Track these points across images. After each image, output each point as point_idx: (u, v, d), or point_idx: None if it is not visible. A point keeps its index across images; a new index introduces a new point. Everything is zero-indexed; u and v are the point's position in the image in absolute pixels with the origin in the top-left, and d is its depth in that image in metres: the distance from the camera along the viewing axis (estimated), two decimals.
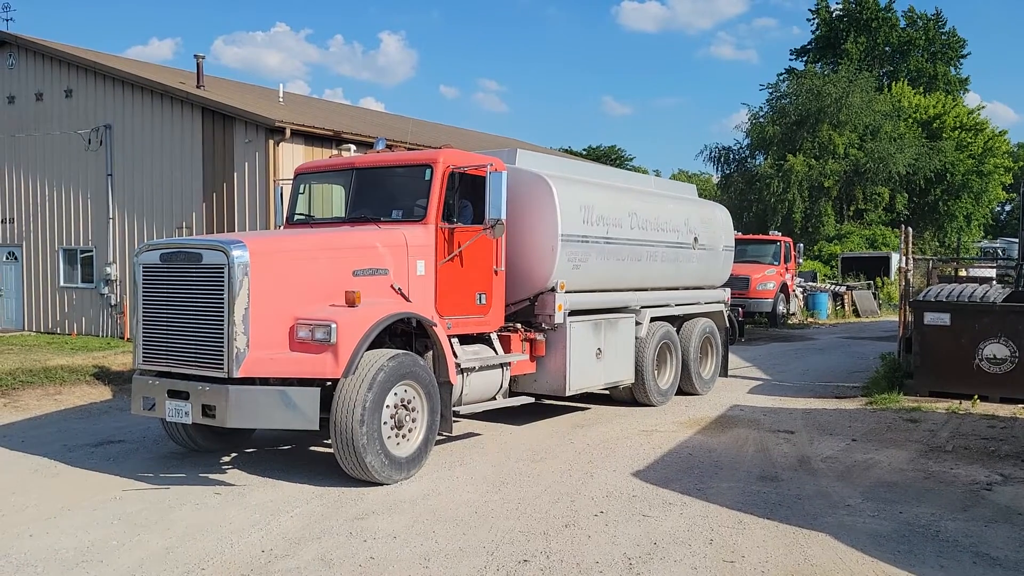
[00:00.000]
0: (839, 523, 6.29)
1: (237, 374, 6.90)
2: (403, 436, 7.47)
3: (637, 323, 10.77)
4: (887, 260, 36.26)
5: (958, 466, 8.05)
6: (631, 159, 66.33)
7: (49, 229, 21.28)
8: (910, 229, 13.56)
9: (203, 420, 7.07)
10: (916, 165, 42.08)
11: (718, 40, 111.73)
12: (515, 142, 34.33)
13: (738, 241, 26.75)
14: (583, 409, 11.01)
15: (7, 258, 22.20)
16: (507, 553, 5.65)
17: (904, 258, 13.03)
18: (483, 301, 8.75)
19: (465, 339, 8.76)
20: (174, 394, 7.22)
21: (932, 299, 11.45)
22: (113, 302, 20.11)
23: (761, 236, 28.29)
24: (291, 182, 9.55)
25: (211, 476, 7.61)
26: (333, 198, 9.55)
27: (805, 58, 58.13)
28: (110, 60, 21.85)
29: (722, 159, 48.59)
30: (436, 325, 7.88)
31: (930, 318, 11.31)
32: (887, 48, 55.89)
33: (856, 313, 30.27)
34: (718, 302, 12.90)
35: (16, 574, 5.30)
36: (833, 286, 31.16)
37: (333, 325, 6.95)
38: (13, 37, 21.64)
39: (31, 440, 9.05)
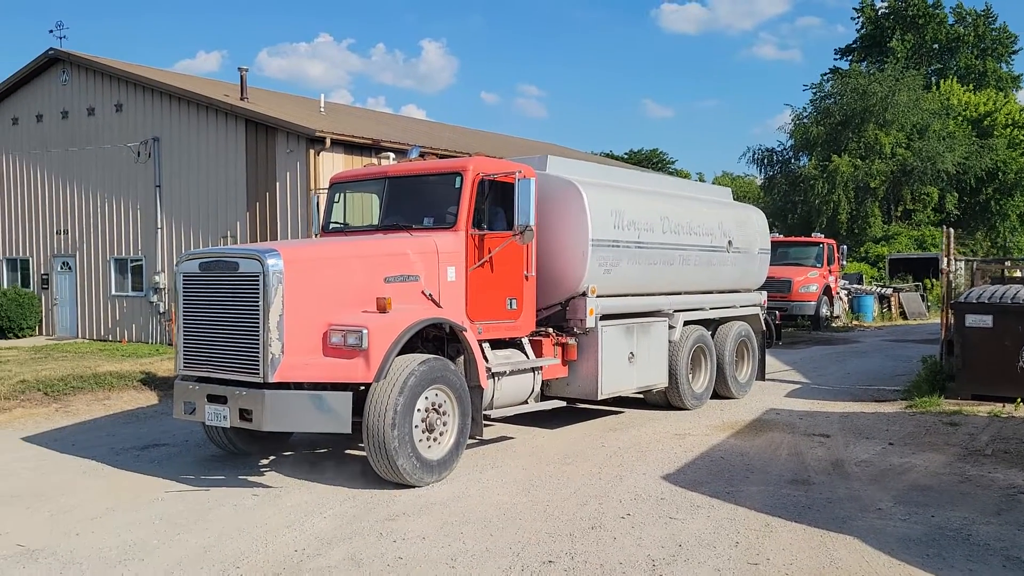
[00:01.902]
0: (868, 526, 6.26)
1: (272, 379, 7.10)
2: (434, 439, 7.60)
3: (670, 327, 10.78)
4: (936, 261, 35.54)
5: (996, 470, 7.94)
6: (673, 162, 66.03)
7: (101, 239, 21.94)
8: (951, 230, 13.36)
9: (240, 424, 7.29)
10: (966, 164, 41.22)
11: (760, 40, 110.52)
12: (555, 147, 34.42)
13: (780, 243, 26.70)
14: (616, 413, 11.05)
15: (61, 268, 22.93)
16: (533, 554, 5.74)
17: (946, 259, 12.84)
18: (514, 306, 8.86)
19: (497, 344, 8.86)
20: (213, 398, 7.45)
21: (974, 301, 11.26)
22: (162, 310, 20.65)
23: (804, 238, 27.97)
24: (327, 191, 9.77)
25: (249, 478, 7.82)
26: (370, 207, 9.74)
27: (850, 57, 57.29)
28: (158, 75, 22.47)
29: (765, 161, 48.17)
30: (466, 330, 8.01)
31: (972, 320, 11.13)
32: (935, 45, 54.83)
33: (903, 315, 29.74)
34: (754, 305, 12.84)
35: (62, 571, 5.54)
36: (879, 288, 30.62)
37: (364, 331, 7.11)
38: (66, 54, 22.38)
39: (81, 443, 9.38)
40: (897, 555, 5.64)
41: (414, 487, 7.35)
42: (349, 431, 7.17)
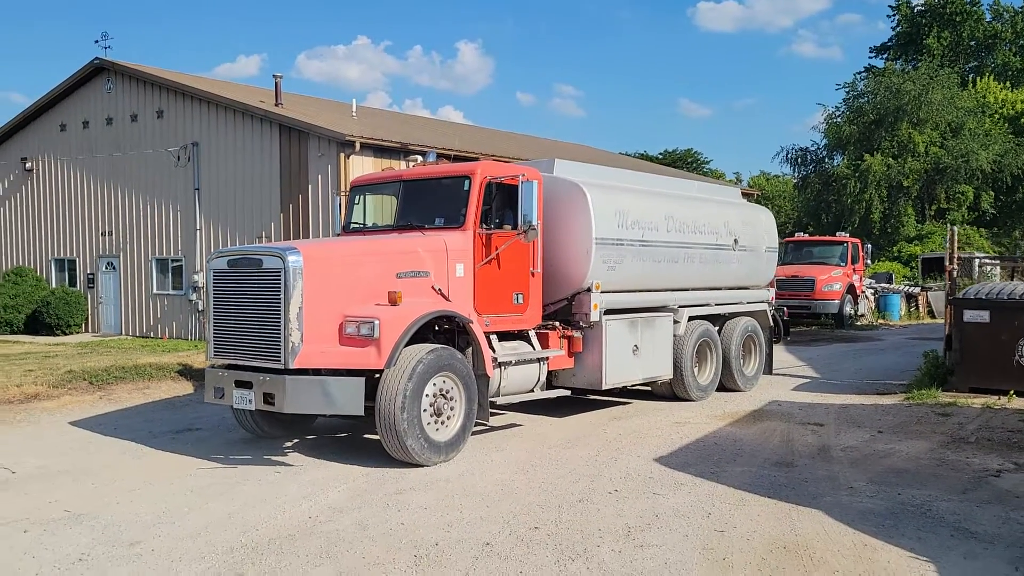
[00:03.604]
0: (836, 502, 6.76)
1: (293, 365, 7.79)
2: (442, 423, 8.22)
3: (675, 321, 11.28)
4: (969, 261, 35.39)
5: (975, 456, 8.35)
6: (708, 162, 65.86)
7: (143, 240, 22.97)
8: (955, 229, 13.73)
9: (264, 407, 7.98)
10: (1002, 162, 40.90)
11: (799, 38, 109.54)
12: (587, 149, 34.96)
13: (804, 242, 27.00)
14: (623, 403, 11.58)
15: (106, 268, 24.01)
16: (522, 522, 6.34)
17: (950, 257, 13.17)
18: (520, 300, 9.45)
19: (505, 336, 9.47)
20: (240, 384, 8.15)
21: (971, 297, 11.62)
22: (200, 308, 21.57)
23: (828, 237, 28.17)
24: (348, 193, 10.46)
25: (273, 458, 8.52)
26: (390, 207, 10.41)
27: (885, 55, 56.99)
28: (197, 82, 23.45)
29: (799, 160, 48.22)
30: (472, 322, 8.62)
31: (969, 315, 11.49)
32: (972, 43, 54.28)
33: (931, 314, 29.75)
34: (761, 301, 13.28)
35: (104, 531, 6.25)
36: (907, 287, 30.67)
37: (376, 321, 7.77)
38: (111, 63, 23.47)
39: (122, 427, 10.17)
40: (855, 525, 6.14)
41: (422, 466, 7.98)
42: (362, 413, 7.83)
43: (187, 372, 13.24)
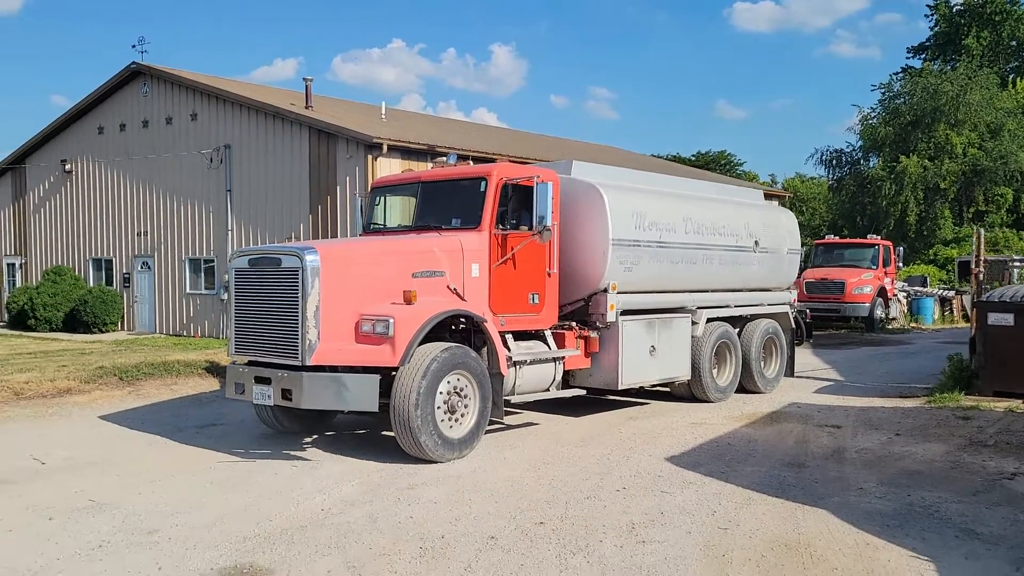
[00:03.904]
0: (843, 502, 6.77)
1: (310, 362, 7.97)
2: (456, 420, 8.36)
3: (693, 323, 11.30)
4: (1006, 264, 34.79)
5: (991, 459, 8.28)
6: (741, 164, 65.32)
7: (177, 241, 23.46)
8: (982, 231, 13.54)
9: (282, 403, 8.18)
10: None
11: (837, 38, 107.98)
12: (615, 150, 34.97)
13: (835, 245, 26.79)
14: (641, 404, 11.63)
15: (141, 267, 24.54)
16: (528, 517, 6.44)
17: (976, 259, 13.04)
18: (536, 300, 9.55)
19: (521, 335, 9.58)
20: (259, 380, 8.36)
21: (996, 300, 11.50)
22: None
23: (858, 240, 27.93)
24: (369, 195, 10.64)
25: (292, 452, 8.72)
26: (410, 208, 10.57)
27: (924, 56, 56.14)
28: (229, 85, 23.89)
29: (834, 162, 47.72)
30: (486, 321, 8.74)
31: (994, 318, 11.37)
32: (1012, 43, 53.30)
33: (966, 318, 29.23)
34: (783, 303, 13.24)
35: (125, 520, 6.47)
36: (941, 290, 30.24)
37: (391, 320, 7.92)
38: (147, 67, 24.01)
39: (149, 422, 10.45)
40: (859, 525, 6.16)
41: (436, 462, 8.11)
42: (376, 410, 7.98)
43: (214, 369, 13.53)
